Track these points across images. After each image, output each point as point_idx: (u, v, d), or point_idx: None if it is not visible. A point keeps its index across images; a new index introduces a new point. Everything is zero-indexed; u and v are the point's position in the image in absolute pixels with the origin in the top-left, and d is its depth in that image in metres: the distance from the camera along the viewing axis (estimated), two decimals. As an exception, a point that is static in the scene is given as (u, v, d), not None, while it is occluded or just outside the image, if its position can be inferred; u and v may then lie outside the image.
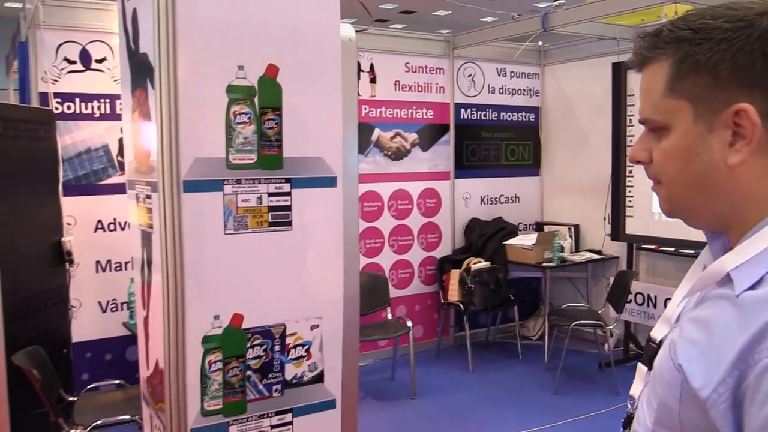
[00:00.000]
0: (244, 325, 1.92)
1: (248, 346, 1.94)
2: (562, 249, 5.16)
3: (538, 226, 5.80)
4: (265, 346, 1.97)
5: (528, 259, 5.09)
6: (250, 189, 1.86)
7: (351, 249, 2.09)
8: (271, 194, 1.90)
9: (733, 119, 0.80)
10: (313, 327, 2.05)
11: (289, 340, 2.01)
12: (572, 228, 5.49)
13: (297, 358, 2.04)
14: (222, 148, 1.80)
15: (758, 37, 0.79)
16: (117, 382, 3.43)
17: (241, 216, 1.86)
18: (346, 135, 2.01)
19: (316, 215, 1.98)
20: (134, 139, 2.03)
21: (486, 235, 5.32)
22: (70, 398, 3.16)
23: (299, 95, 1.90)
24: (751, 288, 0.77)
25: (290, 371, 2.03)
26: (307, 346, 2.05)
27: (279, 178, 1.90)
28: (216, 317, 1.87)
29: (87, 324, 3.81)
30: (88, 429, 2.90)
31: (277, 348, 1.99)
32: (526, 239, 5.20)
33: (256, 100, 1.83)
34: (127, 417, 2.95)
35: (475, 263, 5.05)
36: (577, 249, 5.45)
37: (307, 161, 1.94)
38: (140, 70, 1.86)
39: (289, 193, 1.93)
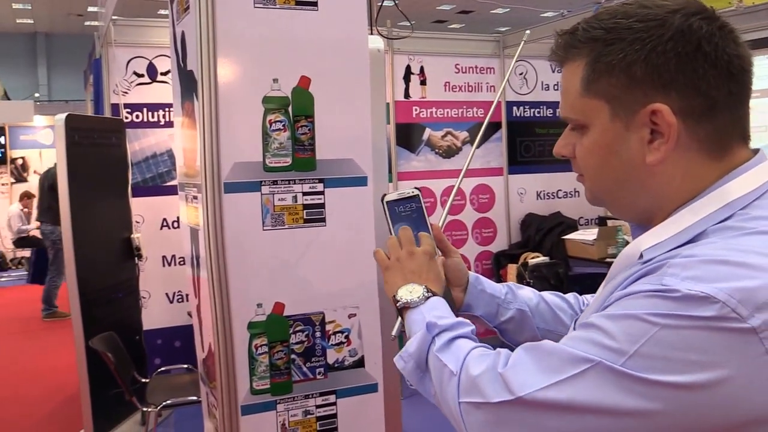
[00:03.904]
0: (286, 313, 2.06)
1: (291, 332, 2.08)
2: (626, 244, 5.07)
3: (601, 221, 5.71)
4: (306, 332, 2.11)
5: (590, 254, 4.99)
6: (285, 189, 2.02)
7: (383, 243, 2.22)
8: (305, 193, 2.05)
9: (650, 118, 0.79)
10: (350, 315, 2.17)
11: (328, 327, 2.14)
12: (638, 223, 5.43)
13: (337, 344, 2.16)
14: (259, 152, 1.97)
15: (671, 37, 0.76)
16: (186, 366, 3.68)
17: (278, 213, 2.02)
18: (375, 137, 2.15)
19: (348, 212, 2.11)
20: (184, 147, 2.24)
21: (544, 230, 5.30)
22: (144, 380, 3.43)
23: (331, 103, 2.04)
24: None
25: (332, 356, 2.15)
26: (346, 333, 2.17)
27: (313, 179, 2.05)
28: (259, 305, 2.03)
29: (157, 313, 4.10)
30: (159, 408, 3.15)
31: (318, 334, 2.12)
32: (587, 234, 5.09)
33: (290, 108, 1.99)
34: (194, 398, 3.16)
35: (532, 258, 5.04)
36: (644, 244, 5.39)
37: (338, 162, 2.09)
38: (188, 85, 2.06)
39: (322, 192, 2.07)
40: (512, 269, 5.13)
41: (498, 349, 0.86)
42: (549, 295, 1.23)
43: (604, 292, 0.84)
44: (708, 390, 0.66)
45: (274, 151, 2.00)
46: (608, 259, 4.95)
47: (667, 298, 0.69)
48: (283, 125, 2.00)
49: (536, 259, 5.03)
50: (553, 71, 5.56)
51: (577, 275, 5.25)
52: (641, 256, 0.80)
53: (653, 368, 0.68)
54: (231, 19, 1.89)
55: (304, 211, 2.07)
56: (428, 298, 1.02)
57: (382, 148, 2.24)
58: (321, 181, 2.08)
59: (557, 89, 5.53)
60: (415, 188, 1.18)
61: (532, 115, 5.53)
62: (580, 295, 1.28)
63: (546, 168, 5.56)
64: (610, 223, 5.45)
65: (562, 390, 0.72)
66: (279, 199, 2.03)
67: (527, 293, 1.21)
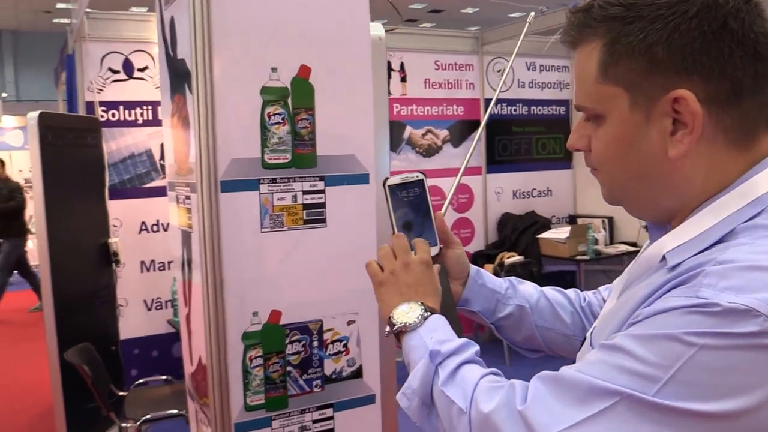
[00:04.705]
0: (282, 321, 1.95)
1: (287, 341, 1.97)
2: (596, 242, 5.13)
3: (572, 219, 5.79)
4: (303, 342, 2.00)
5: (562, 252, 5.09)
6: (285, 187, 1.90)
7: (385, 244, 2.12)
8: (305, 192, 1.94)
9: (673, 106, 0.72)
10: (349, 322, 2.07)
11: (326, 336, 2.03)
12: (606, 220, 5.46)
13: (335, 354, 2.06)
14: (257, 148, 1.85)
15: (695, 13, 0.69)
16: (164, 377, 3.57)
17: (277, 214, 1.90)
18: (377, 132, 2.04)
19: (350, 212, 2.01)
20: (174, 143, 2.09)
21: (519, 230, 5.35)
22: (121, 393, 3.30)
23: (331, 95, 1.93)
24: None
25: (329, 367, 2.05)
26: (344, 342, 2.07)
27: (313, 176, 1.94)
28: (255, 314, 1.91)
29: (134, 322, 3.99)
30: (138, 423, 3.02)
31: (315, 344, 2.02)
32: (560, 232, 5.19)
33: (289, 100, 1.87)
34: (175, 411, 3.05)
35: (508, 257, 5.07)
36: (611, 241, 5.41)
37: (340, 159, 1.98)
38: (178, 76, 1.93)
39: (323, 191, 1.96)
40: (489, 269, 5.12)
41: (511, 380, 0.80)
42: (550, 291, 1.18)
43: (626, 302, 0.76)
44: (749, 415, 0.61)
45: (273, 146, 1.87)
46: (578, 257, 5.06)
47: (705, 313, 0.62)
48: (283, 118, 1.88)
49: (512, 258, 5.06)
50: (528, 69, 5.54)
51: (549, 273, 5.33)
52: (664, 258, 0.74)
53: (690, 396, 0.62)
54: (226, 3, 1.76)
55: (304, 212, 1.95)
56: (426, 318, 0.96)
57: (384, 143, 2.13)
58: (322, 179, 1.96)
59: (532, 87, 5.54)
60: (420, 172, 1.12)
61: (509, 113, 5.50)
62: None
63: (521, 167, 5.58)
64: (580, 221, 5.52)
65: (589, 429, 0.66)
66: (278, 199, 1.91)
67: (528, 288, 1.16)
